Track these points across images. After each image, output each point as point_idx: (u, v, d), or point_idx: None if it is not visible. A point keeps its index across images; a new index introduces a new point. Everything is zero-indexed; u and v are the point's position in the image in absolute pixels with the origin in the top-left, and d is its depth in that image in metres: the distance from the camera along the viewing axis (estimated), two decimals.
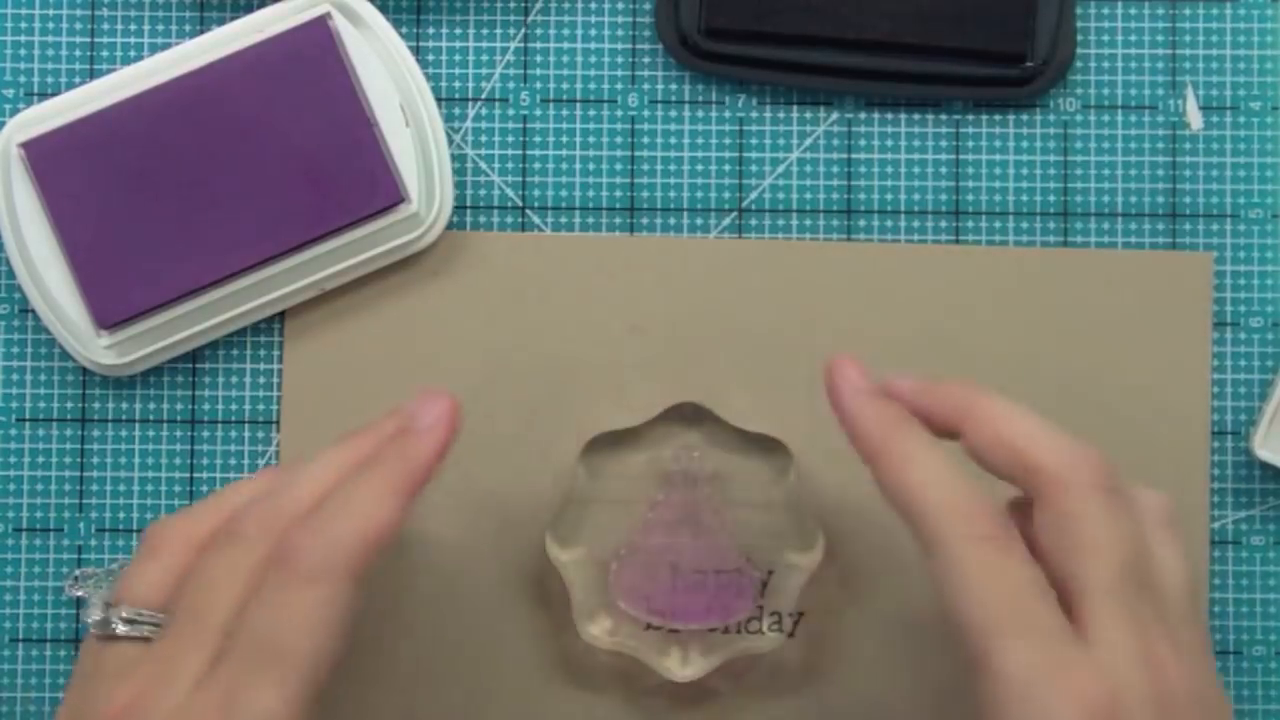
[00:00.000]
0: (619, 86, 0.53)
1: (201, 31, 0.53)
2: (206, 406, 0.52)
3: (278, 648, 0.38)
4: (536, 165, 0.53)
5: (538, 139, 0.53)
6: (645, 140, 0.53)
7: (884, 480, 0.40)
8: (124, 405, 0.52)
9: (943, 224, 0.53)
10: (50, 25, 0.53)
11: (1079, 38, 0.53)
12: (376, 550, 0.39)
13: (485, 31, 0.53)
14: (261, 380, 0.52)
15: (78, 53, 0.53)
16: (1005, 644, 0.37)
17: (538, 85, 0.53)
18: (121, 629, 0.40)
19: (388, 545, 0.40)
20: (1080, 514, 0.39)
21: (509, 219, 0.53)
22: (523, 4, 0.53)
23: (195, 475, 0.52)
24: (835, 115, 0.53)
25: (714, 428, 0.51)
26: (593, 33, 0.53)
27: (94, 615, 0.41)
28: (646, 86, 0.53)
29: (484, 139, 0.53)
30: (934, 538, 0.38)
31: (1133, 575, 0.38)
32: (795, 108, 0.53)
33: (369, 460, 0.41)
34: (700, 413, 0.51)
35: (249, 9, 0.52)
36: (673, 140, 0.53)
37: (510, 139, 0.53)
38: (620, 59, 0.53)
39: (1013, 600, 0.37)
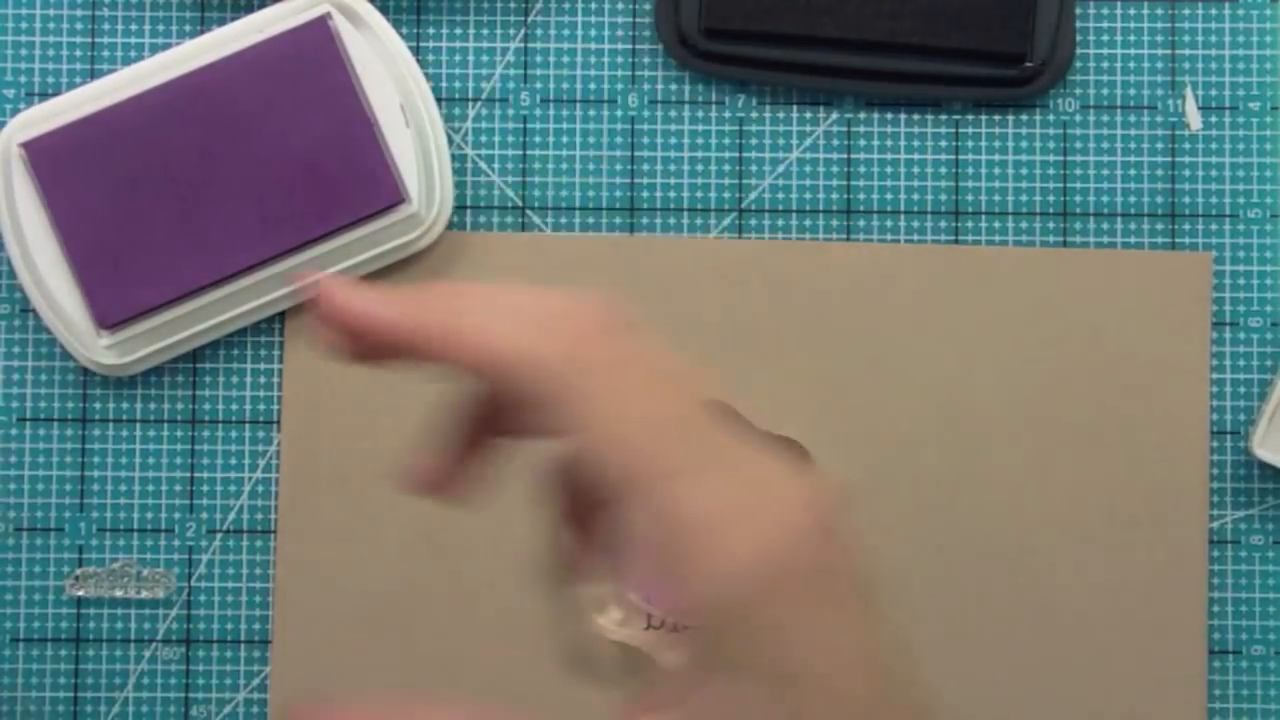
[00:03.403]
0: (619, 86, 0.53)
1: (201, 32, 0.53)
2: (207, 406, 0.52)
3: None
4: (536, 165, 0.53)
5: (538, 139, 0.53)
6: (645, 140, 0.53)
7: (460, 359, 0.31)
8: (124, 405, 0.52)
9: (942, 224, 0.53)
10: (51, 25, 0.53)
11: (1079, 38, 0.53)
12: None
13: (485, 31, 0.53)
14: (261, 380, 0.52)
15: (78, 53, 0.53)
16: (680, 477, 0.30)
17: (538, 85, 0.53)
18: None
19: None
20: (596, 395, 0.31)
21: (509, 219, 0.53)
22: (523, 4, 0.53)
23: (195, 475, 0.52)
24: (835, 115, 0.53)
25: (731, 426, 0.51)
26: (593, 33, 0.53)
27: None
28: (646, 86, 0.53)
29: (484, 139, 0.53)
30: (551, 384, 0.31)
31: (686, 425, 0.32)
32: (795, 108, 0.53)
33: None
34: (718, 410, 0.51)
35: (249, 9, 0.52)
36: (673, 140, 0.53)
37: (510, 139, 0.53)
38: (620, 59, 0.53)
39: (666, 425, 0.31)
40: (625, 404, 0.31)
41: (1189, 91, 0.53)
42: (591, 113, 0.53)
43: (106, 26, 0.53)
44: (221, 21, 0.52)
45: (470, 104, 0.53)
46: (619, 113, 0.53)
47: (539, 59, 0.53)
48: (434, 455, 0.35)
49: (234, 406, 0.52)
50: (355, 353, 0.33)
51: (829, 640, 0.31)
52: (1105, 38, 0.53)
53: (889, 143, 0.53)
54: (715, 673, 0.31)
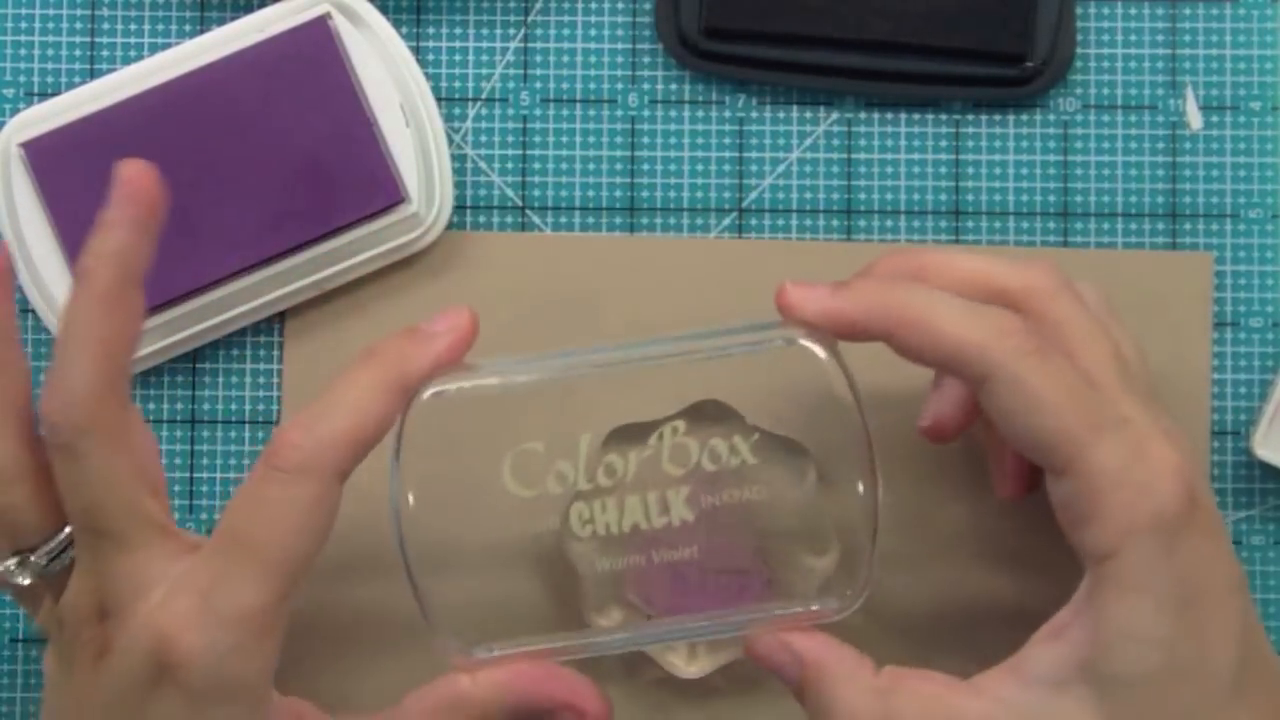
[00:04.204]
0: (619, 86, 0.53)
1: (202, 31, 0.53)
2: (206, 406, 0.52)
3: (257, 544, 0.39)
4: (536, 165, 0.53)
5: (538, 139, 0.53)
6: (645, 140, 0.53)
7: (916, 345, 0.40)
8: None
9: (943, 224, 0.53)
10: (50, 25, 0.53)
11: (1079, 38, 0.53)
12: (365, 448, 0.40)
13: (485, 31, 0.53)
14: (261, 380, 0.52)
15: (78, 53, 0.53)
16: (1092, 441, 0.39)
17: (538, 85, 0.53)
18: None
19: (375, 442, 0.40)
20: (1067, 317, 0.41)
21: (509, 219, 0.53)
22: (523, 4, 0.53)
23: (195, 475, 0.52)
24: (835, 115, 0.53)
25: (735, 426, 0.51)
26: (593, 33, 0.53)
27: None
28: (646, 86, 0.53)
29: (484, 139, 0.53)
30: (987, 368, 0.39)
31: (1118, 361, 0.41)
32: (795, 108, 0.53)
33: (366, 354, 0.41)
34: (723, 410, 0.51)
35: (249, 9, 0.52)
36: (673, 140, 0.53)
37: (510, 139, 0.53)
38: (620, 59, 0.53)
39: (1079, 400, 0.39)
40: (1047, 386, 0.39)
41: (1190, 91, 0.53)
42: (591, 113, 0.53)
43: (106, 26, 0.53)
44: (221, 21, 0.52)
45: (470, 104, 0.53)
46: (619, 113, 0.53)
47: (539, 59, 0.53)
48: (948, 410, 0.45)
49: (234, 406, 0.52)
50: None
51: (1216, 568, 0.39)
52: (1105, 38, 0.53)
53: (889, 143, 0.53)
54: (1119, 601, 0.39)
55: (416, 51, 0.53)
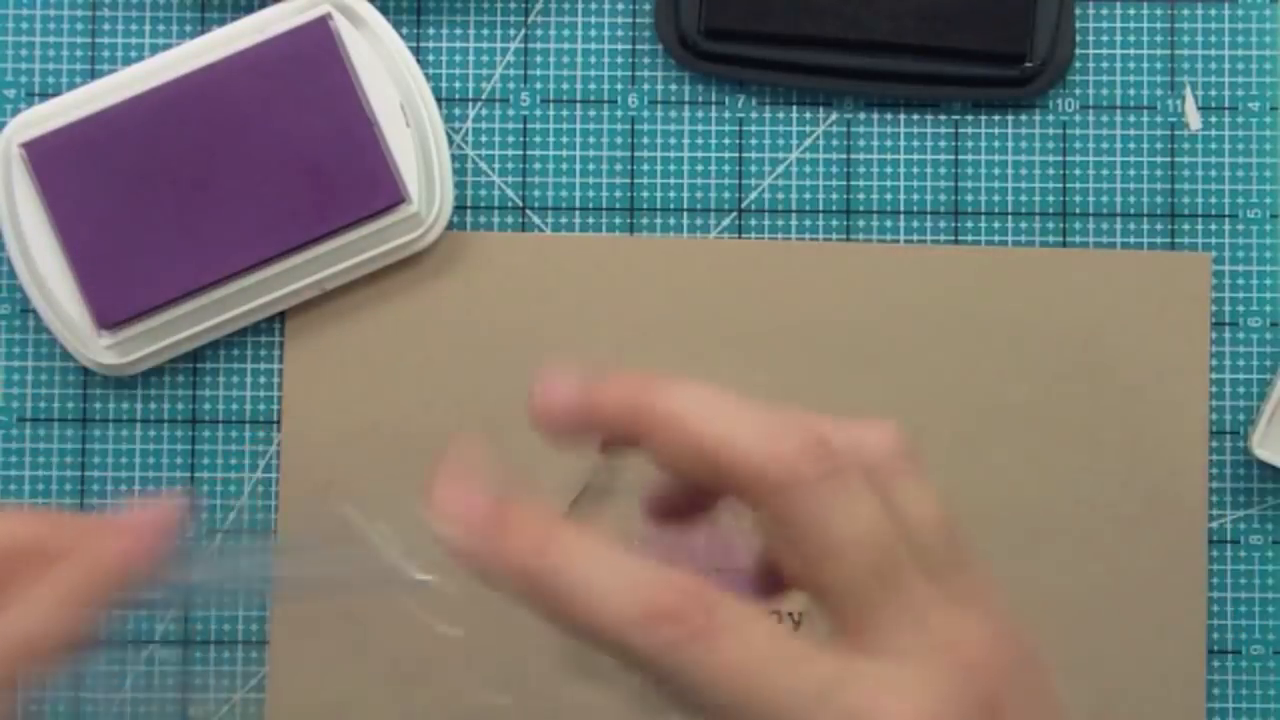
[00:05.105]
0: (619, 87, 0.53)
1: (202, 32, 0.53)
2: (207, 406, 0.52)
3: None
4: (536, 165, 0.53)
5: (538, 139, 0.53)
6: (645, 140, 0.53)
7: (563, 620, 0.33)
8: (125, 405, 0.52)
9: (942, 224, 0.53)
10: (51, 25, 0.53)
11: (1078, 38, 0.53)
12: (46, 661, 0.36)
13: (485, 31, 0.53)
14: (261, 380, 0.52)
15: (78, 53, 0.53)
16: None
17: (538, 85, 0.53)
18: None
19: (65, 655, 0.37)
20: (805, 515, 0.32)
21: (509, 219, 0.53)
22: (523, 4, 0.53)
23: (195, 475, 0.52)
24: (835, 115, 0.53)
25: None
26: (593, 33, 0.53)
27: None
28: (646, 86, 0.53)
29: (484, 139, 0.53)
30: (650, 656, 0.32)
31: (887, 558, 0.32)
32: (795, 108, 0.53)
33: (60, 557, 0.37)
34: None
35: (249, 9, 0.52)
36: (673, 140, 0.53)
37: (510, 139, 0.53)
38: (620, 59, 0.53)
39: (778, 676, 0.31)
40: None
41: (1189, 91, 0.53)
42: (591, 113, 0.53)
43: (106, 26, 0.53)
44: (221, 21, 0.52)
45: (470, 104, 0.53)
46: (619, 113, 0.53)
47: (539, 59, 0.53)
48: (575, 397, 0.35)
49: (234, 406, 0.52)
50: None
51: None
52: (1105, 38, 0.53)
53: (889, 143, 0.53)
54: None
55: (416, 51, 0.53)
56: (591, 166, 0.53)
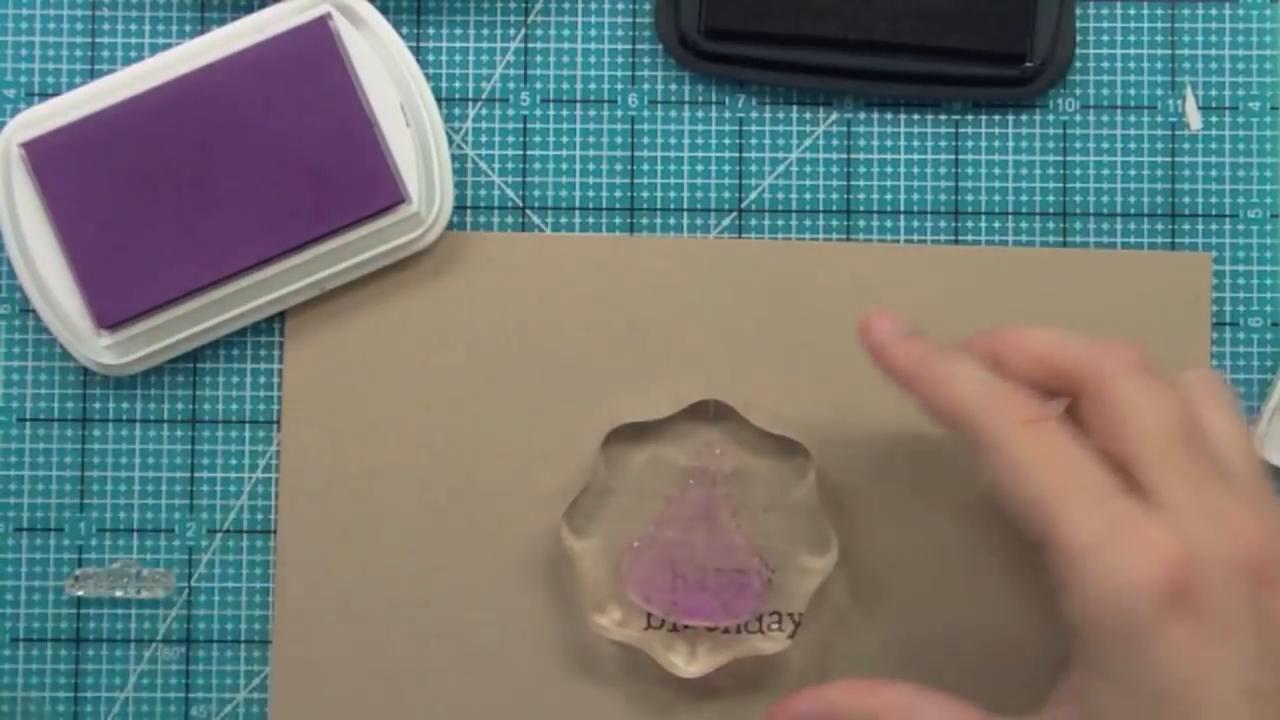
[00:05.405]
0: (619, 86, 0.53)
1: (202, 31, 0.53)
2: (207, 406, 0.52)
3: None
4: (536, 165, 0.53)
5: (538, 139, 0.53)
6: (645, 140, 0.53)
7: (928, 402, 0.42)
8: (124, 405, 0.52)
9: (942, 224, 0.53)
10: (51, 25, 0.53)
11: (1079, 38, 0.53)
12: None
13: (485, 31, 0.53)
14: (261, 380, 0.52)
15: (78, 53, 0.53)
16: (1065, 511, 0.38)
17: (538, 85, 0.53)
18: None
19: None
20: (1119, 396, 0.40)
21: (509, 219, 0.53)
22: (523, 4, 0.53)
23: (195, 475, 0.52)
24: (835, 115, 0.53)
25: (735, 426, 0.51)
26: (593, 33, 0.53)
27: None
28: (646, 86, 0.53)
29: (484, 139, 0.53)
30: (982, 434, 0.40)
31: (1185, 442, 0.39)
32: (795, 108, 0.53)
33: None
34: (723, 410, 0.51)
35: (249, 9, 0.52)
36: (673, 140, 0.53)
37: (510, 139, 0.53)
38: (620, 59, 0.53)
39: (1066, 471, 0.38)
40: (1026, 453, 0.39)
41: (1189, 91, 0.53)
42: (591, 113, 0.53)
43: (106, 26, 0.53)
44: (221, 21, 0.52)
45: (470, 104, 0.53)
46: (619, 113, 0.53)
47: (539, 59, 0.53)
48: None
49: (234, 406, 0.52)
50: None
51: (1210, 671, 0.36)
52: (1105, 38, 0.53)
53: (889, 143, 0.53)
54: (1098, 682, 0.38)
55: (416, 51, 0.53)
56: (591, 166, 0.53)
